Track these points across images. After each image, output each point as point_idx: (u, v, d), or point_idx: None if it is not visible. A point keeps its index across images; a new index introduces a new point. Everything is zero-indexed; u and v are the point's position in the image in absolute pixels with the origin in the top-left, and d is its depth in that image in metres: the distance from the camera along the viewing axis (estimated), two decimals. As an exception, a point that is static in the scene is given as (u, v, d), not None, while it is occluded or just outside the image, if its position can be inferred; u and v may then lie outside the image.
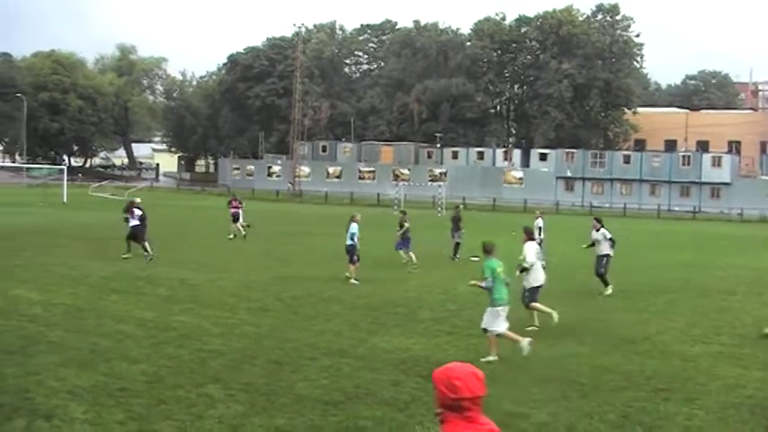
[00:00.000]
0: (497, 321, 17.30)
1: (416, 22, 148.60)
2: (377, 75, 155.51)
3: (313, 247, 40.29)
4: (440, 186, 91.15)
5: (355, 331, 19.65)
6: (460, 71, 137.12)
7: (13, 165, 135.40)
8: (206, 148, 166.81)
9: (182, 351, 16.97)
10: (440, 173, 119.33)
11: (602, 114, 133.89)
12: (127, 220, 34.51)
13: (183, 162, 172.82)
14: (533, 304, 20.80)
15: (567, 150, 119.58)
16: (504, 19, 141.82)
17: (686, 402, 14.40)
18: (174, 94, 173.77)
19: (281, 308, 22.72)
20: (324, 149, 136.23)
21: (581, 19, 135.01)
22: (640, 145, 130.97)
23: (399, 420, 12.86)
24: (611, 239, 26.33)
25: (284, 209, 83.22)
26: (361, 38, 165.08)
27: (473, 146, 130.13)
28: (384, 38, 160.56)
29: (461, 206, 41.06)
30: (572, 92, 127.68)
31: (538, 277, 20.81)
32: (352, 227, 29.33)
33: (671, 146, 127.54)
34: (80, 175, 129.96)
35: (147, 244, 33.43)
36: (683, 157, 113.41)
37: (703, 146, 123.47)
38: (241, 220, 44.45)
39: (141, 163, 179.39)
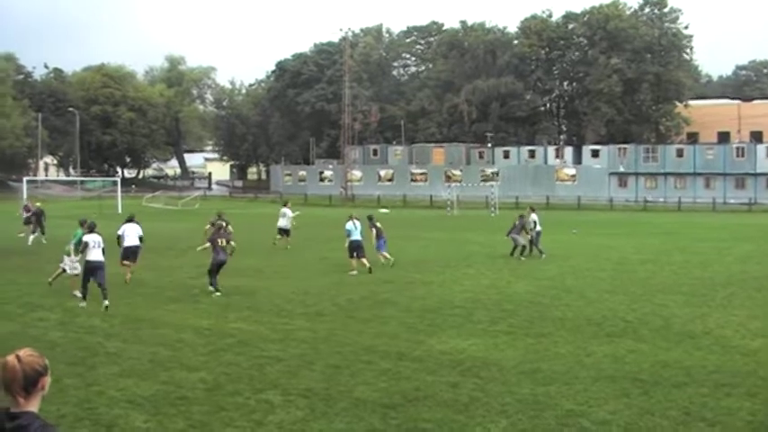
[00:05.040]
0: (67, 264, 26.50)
1: (463, 22, 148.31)
2: (425, 77, 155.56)
3: (366, 251, 40.28)
4: (492, 186, 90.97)
5: (412, 333, 19.61)
6: (509, 70, 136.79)
7: (67, 178, 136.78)
8: (257, 155, 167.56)
9: (240, 358, 17.02)
10: (492, 173, 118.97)
11: (654, 108, 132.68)
12: None
13: (234, 170, 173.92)
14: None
15: (619, 146, 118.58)
16: (550, 16, 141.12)
17: (749, 397, 14.18)
18: (224, 103, 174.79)
19: (337, 312, 22.75)
20: (375, 153, 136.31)
21: (628, 13, 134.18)
22: (693, 138, 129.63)
23: (460, 422, 12.78)
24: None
25: (337, 214, 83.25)
26: (408, 40, 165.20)
27: (524, 144, 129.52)
28: (431, 39, 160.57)
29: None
30: (622, 87, 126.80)
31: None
32: (359, 224, 32.87)
33: (724, 138, 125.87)
34: (133, 186, 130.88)
35: None
36: (737, 148, 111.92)
37: (757, 136, 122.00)
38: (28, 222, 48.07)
39: (194, 172, 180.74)
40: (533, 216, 38.47)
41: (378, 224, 35.46)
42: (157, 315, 22.47)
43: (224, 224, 30.94)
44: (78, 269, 25.88)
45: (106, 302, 23.56)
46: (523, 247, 37.61)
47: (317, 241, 44.25)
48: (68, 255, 26.41)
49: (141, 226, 31.29)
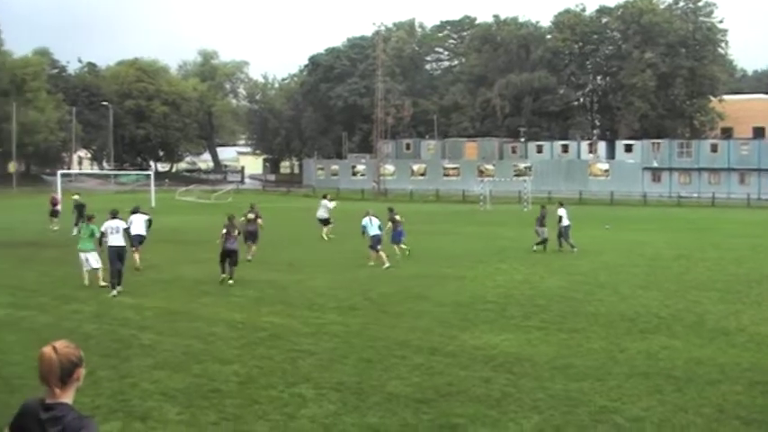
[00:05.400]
0: (86, 262, 26.48)
1: (496, 16, 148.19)
2: (458, 71, 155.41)
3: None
4: (525, 181, 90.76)
5: (445, 328, 19.57)
6: (542, 64, 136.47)
7: (101, 172, 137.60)
8: (290, 149, 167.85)
9: (273, 351, 17.07)
10: (525, 167, 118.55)
11: (688, 103, 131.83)
12: None
13: (267, 164, 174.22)
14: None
15: (653, 141, 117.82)
16: (584, 10, 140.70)
17: (784, 395, 14.10)
18: (257, 97, 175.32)
19: (370, 306, 22.77)
20: (407, 147, 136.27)
21: (662, 7, 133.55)
22: (727, 133, 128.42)
23: (492, 417, 12.75)
24: None
25: (369, 207, 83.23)
26: (440, 34, 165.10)
27: (557, 139, 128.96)
28: (464, 34, 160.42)
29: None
30: (656, 81, 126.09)
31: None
32: (375, 220, 33.77)
33: (759, 133, 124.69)
34: (167, 180, 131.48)
35: None
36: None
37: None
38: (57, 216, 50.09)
39: (226, 166, 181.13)
40: (561, 211, 38.50)
41: (397, 216, 36.18)
42: (191, 308, 22.57)
43: (253, 216, 34.91)
44: (100, 263, 26.63)
45: (119, 288, 24.99)
46: (544, 240, 37.88)
47: (349, 235, 44.22)
48: (88, 251, 26.69)
49: (148, 214, 34.49)
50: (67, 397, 5.17)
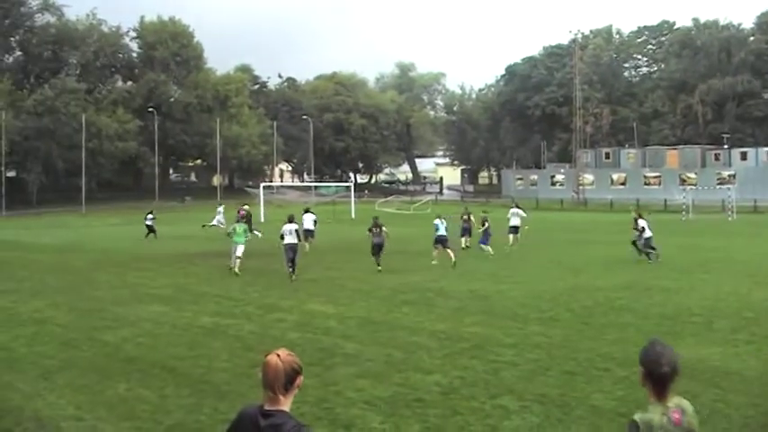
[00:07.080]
0: (235, 250, 34.11)
1: (695, 20, 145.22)
2: (657, 77, 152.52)
3: (600, 256, 39.76)
4: (729, 189, 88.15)
5: (649, 341, 19.06)
6: (745, 68, 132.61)
7: (302, 184, 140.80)
8: (488, 159, 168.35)
9: (474, 362, 16.99)
10: (728, 175, 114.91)
11: None
12: None
13: (465, 175, 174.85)
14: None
15: None
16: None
17: None
18: (455, 108, 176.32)
19: (572, 318, 22.43)
20: (607, 156, 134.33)
21: None
22: None
23: (701, 433, 12.36)
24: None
25: (569, 218, 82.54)
26: (638, 40, 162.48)
27: (762, 146, 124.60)
28: (662, 39, 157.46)
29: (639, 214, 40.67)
30: None
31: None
32: (445, 222, 37.96)
33: None
34: (366, 191, 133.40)
35: None
36: None
37: None
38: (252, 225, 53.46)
39: (425, 177, 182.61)
40: (642, 222, 37.83)
41: (487, 222, 41.62)
42: (392, 317, 22.74)
43: (467, 217, 44.70)
44: (242, 254, 34.18)
45: (294, 276, 31.49)
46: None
47: (550, 245, 43.98)
48: (239, 243, 34.21)
49: (315, 215, 47.34)
50: (287, 405, 5.30)
